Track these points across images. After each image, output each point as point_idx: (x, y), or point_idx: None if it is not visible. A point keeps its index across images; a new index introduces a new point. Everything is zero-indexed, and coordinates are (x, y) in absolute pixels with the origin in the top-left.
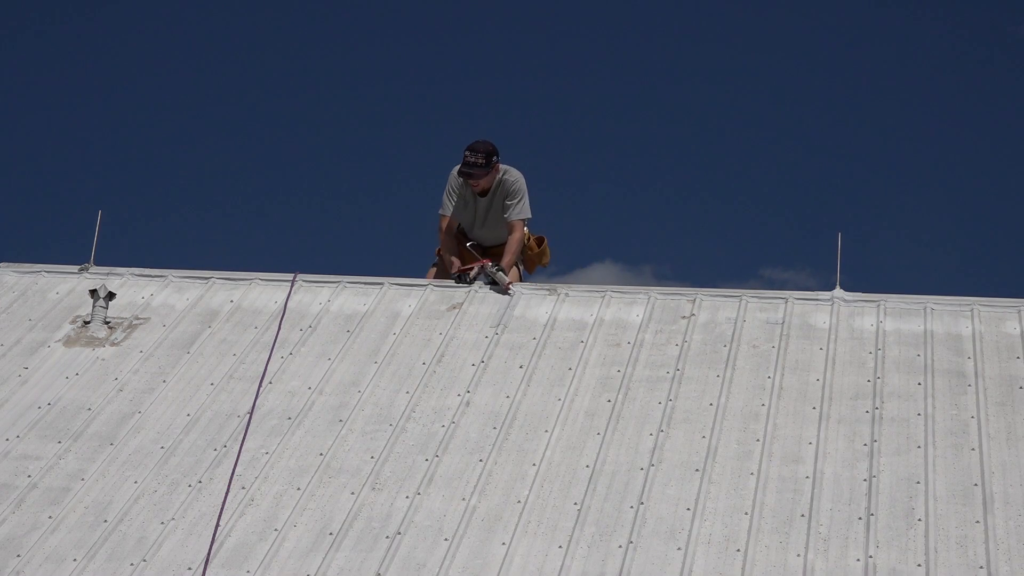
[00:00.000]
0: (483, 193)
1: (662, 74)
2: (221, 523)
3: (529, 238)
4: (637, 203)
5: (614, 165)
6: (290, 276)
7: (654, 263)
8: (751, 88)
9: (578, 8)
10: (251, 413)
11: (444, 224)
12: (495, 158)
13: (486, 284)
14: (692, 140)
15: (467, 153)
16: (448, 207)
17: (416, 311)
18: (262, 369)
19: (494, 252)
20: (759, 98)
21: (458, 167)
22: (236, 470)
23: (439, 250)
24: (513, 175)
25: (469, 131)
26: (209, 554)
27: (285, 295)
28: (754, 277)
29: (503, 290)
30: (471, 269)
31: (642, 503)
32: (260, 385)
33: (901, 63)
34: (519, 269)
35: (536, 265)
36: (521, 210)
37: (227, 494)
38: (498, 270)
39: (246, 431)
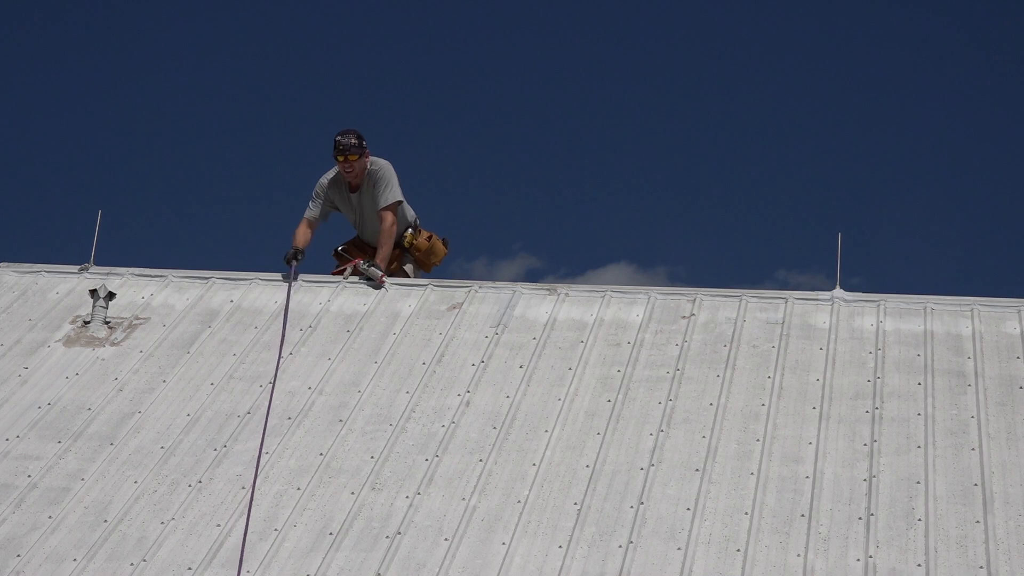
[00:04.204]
0: (354, 189)
1: (679, 78)
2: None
3: (419, 234)
4: (652, 205)
5: (629, 167)
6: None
7: (669, 264)
8: (765, 90)
9: (597, 11)
10: (268, 411)
11: (300, 227)
12: (364, 142)
13: (363, 281)
14: (706, 142)
15: (339, 138)
16: (313, 211)
17: (416, 311)
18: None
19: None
20: (770, 100)
21: (327, 175)
22: (259, 467)
23: (335, 250)
24: (379, 164)
25: (480, 133)
26: (244, 537)
27: (285, 295)
28: (769, 279)
29: (377, 285)
30: (344, 271)
31: (642, 503)
32: (274, 380)
33: (902, 63)
34: (410, 266)
35: (430, 264)
36: (388, 197)
37: (253, 490)
38: (370, 266)
39: (265, 426)
